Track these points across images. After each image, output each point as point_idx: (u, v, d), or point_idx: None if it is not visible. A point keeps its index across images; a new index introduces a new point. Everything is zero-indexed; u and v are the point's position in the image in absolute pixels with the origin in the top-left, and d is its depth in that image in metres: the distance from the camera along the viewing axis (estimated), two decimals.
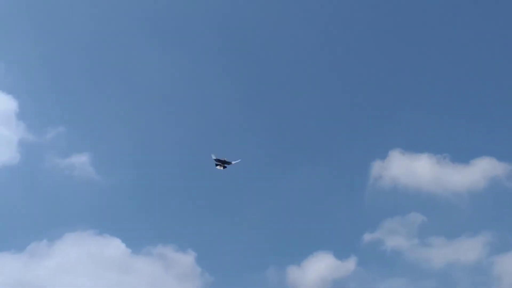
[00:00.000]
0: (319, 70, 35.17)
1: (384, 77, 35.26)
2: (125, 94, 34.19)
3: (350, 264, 28.02)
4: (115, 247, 28.15)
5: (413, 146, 31.57)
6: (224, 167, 23.09)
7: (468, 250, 28.02)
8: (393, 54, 35.59)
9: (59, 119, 32.11)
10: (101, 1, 35.66)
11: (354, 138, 32.93)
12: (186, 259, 28.31)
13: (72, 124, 32.44)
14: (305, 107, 34.30)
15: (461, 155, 31.26)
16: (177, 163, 32.09)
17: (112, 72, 34.86)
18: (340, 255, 28.24)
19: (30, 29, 34.17)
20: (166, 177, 31.85)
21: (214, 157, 23.21)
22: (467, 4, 36.65)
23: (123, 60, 34.91)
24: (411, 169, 30.56)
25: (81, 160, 30.84)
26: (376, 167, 30.94)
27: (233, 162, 22.57)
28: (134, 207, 30.33)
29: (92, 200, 30.38)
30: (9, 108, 31.34)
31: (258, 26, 36.57)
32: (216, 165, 23.36)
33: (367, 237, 28.92)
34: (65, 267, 27.53)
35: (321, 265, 27.87)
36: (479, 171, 30.18)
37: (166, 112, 34.08)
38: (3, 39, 34.10)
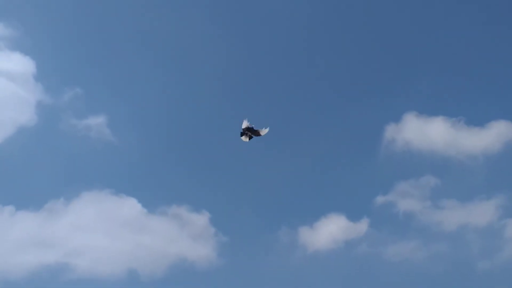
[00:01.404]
0: (334, 35, 33.83)
1: (400, 41, 33.70)
2: (143, 56, 32.93)
3: (362, 226, 27.75)
4: (131, 206, 28.04)
5: (428, 110, 31.00)
6: (251, 137, 20.35)
7: (481, 213, 27.62)
8: (409, 18, 34.15)
9: (76, 80, 31.58)
10: None
11: (369, 101, 31.83)
12: (200, 219, 28.10)
13: (89, 86, 31.69)
14: (320, 70, 33.15)
15: (477, 118, 30.59)
16: (193, 126, 31.45)
17: (130, 34, 33.51)
18: (353, 217, 27.94)
19: None
20: (181, 139, 31.26)
21: (245, 126, 20.26)
22: None
23: (141, 22, 33.58)
24: (425, 132, 30.10)
25: (97, 122, 30.24)
26: (390, 130, 30.23)
27: (261, 133, 19.87)
28: (149, 168, 30.07)
29: (109, 161, 30.11)
30: (27, 69, 30.92)
31: None
32: (242, 134, 20.34)
33: (380, 199, 28.32)
34: (82, 225, 27.54)
35: (333, 227, 27.77)
36: (495, 135, 29.59)
37: (185, 74, 32.99)
38: (21, 1, 33.12)
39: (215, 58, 32.91)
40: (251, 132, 19.98)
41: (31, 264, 25.73)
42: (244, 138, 20.09)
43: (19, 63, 30.97)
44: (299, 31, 33.74)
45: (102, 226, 27.72)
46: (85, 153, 30.23)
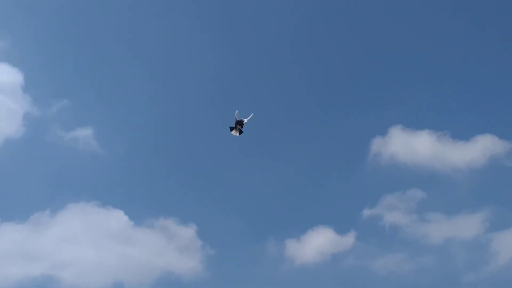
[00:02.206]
0: (323, 50, 34.23)
1: (386, 54, 34.03)
2: (130, 70, 33.00)
3: (349, 239, 27.73)
4: (117, 218, 27.83)
5: (414, 123, 31.06)
6: (241, 132, 20.43)
7: (466, 226, 27.69)
8: (395, 31, 34.47)
9: (64, 92, 31.53)
10: None
11: (355, 115, 32.04)
12: (187, 232, 27.98)
13: (77, 98, 31.64)
14: (307, 83, 33.26)
15: (462, 132, 30.60)
16: (179, 139, 31.32)
17: (117, 46, 33.53)
18: (340, 229, 27.93)
19: (36, 5, 33.18)
20: (168, 152, 31.03)
21: (237, 118, 20.39)
22: None
23: (126, 33, 33.74)
24: (411, 145, 30.10)
25: (85, 134, 30.13)
26: (377, 143, 30.20)
27: (245, 120, 20.13)
28: (136, 181, 30.01)
29: (96, 173, 29.85)
30: (15, 81, 30.78)
31: None
32: (232, 129, 20.46)
33: (367, 212, 28.31)
34: (68, 237, 27.15)
35: (320, 239, 27.67)
36: (480, 149, 29.70)
37: (170, 87, 32.95)
38: (11, 13, 33.00)
39: (203, 72, 33.09)
40: (239, 124, 20.03)
41: (16, 276, 25.43)
42: (234, 133, 20.19)
43: (7, 74, 30.94)
44: (289, 46, 34.14)
45: (88, 238, 27.53)
46: (72, 165, 30.10)
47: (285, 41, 33.94)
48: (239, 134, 20.15)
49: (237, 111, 19.96)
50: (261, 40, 33.76)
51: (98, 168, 29.79)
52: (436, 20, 33.96)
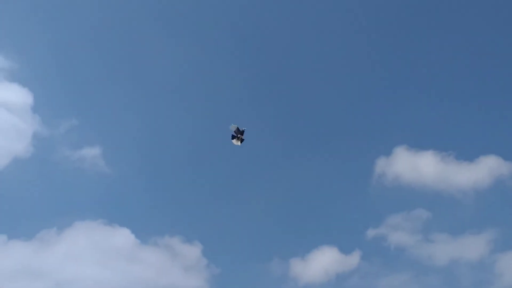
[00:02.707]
0: (326, 72, 34.45)
1: (391, 74, 34.52)
2: (135, 90, 33.64)
3: (354, 259, 27.68)
4: (124, 236, 27.98)
5: (419, 143, 31.03)
6: (242, 141, 20.23)
7: (472, 247, 27.65)
8: (400, 51, 34.79)
9: (72, 112, 31.99)
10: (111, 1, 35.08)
11: (360, 135, 32.30)
12: (193, 251, 28.02)
13: (85, 118, 32.14)
14: (315, 107, 33.48)
15: (467, 153, 30.67)
16: (184, 158, 31.49)
17: (122, 68, 34.30)
18: (344, 249, 27.98)
19: (45, 27, 33.96)
20: (173, 171, 31.31)
21: (234, 128, 20.25)
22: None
23: (132, 57, 34.32)
24: (416, 166, 30.16)
25: (92, 153, 30.43)
26: (381, 163, 30.24)
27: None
28: (142, 199, 30.03)
29: (102, 192, 30.09)
30: (25, 101, 31.28)
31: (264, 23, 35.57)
32: (233, 137, 20.24)
33: (371, 232, 28.27)
34: (74, 255, 27.18)
35: (325, 259, 27.63)
36: (485, 169, 29.72)
37: (174, 108, 33.56)
38: (21, 36, 33.75)
39: (203, 94, 33.65)
40: (242, 134, 19.93)
41: None
42: (235, 142, 20.11)
43: (17, 95, 31.39)
44: (291, 66, 34.54)
45: (94, 256, 27.48)
46: (79, 183, 30.28)
47: (292, 61, 34.50)
48: (241, 142, 20.08)
49: (232, 124, 19.95)
50: (265, 58, 34.38)
51: (104, 186, 30.11)
52: (438, 44, 34.38)
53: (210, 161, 30.83)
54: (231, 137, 20.18)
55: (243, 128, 20.18)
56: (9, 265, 26.52)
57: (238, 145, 20.27)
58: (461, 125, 32.06)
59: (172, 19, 34.93)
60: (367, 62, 34.30)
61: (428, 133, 31.99)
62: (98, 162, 30.36)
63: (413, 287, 26.61)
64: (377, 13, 35.03)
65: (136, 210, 29.64)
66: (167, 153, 31.81)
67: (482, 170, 29.62)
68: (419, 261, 27.40)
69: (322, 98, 33.66)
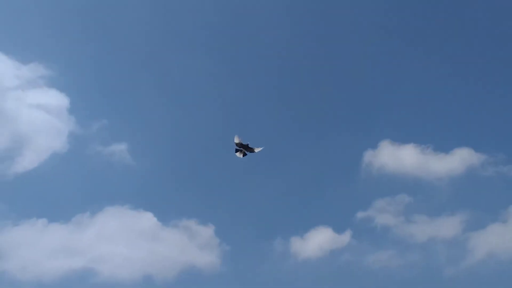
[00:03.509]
0: (316, 71, 34.83)
1: (377, 78, 34.94)
2: (156, 94, 34.31)
3: (346, 237, 28.27)
4: (147, 219, 28.61)
5: (401, 138, 31.56)
6: (245, 154, 18.97)
7: (447, 227, 28.30)
8: (384, 58, 35.22)
9: (103, 113, 32.74)
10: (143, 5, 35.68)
11: (350, 131, 32.82)
12: (207, 231, 28.68)
13: (113, 119, 32.73)
14: (309, 103, 34.18)
15: (443, 146, 31.11)
16: (200, 153, 32.23)
17: (147, 75, 35.03)
18: (338, 229, 28.44)
19: (79, 39, 35.02)
20: (189, 163, 32.03)
21: (237, 141, 18.86)
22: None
23: (156, 65, 35.25)
24: (398, 157, 30.67)
25: (120, 148, 31.17)
26: (368, 155, 30.93)
27: (255, 150, 18.71)
28: (163, 187, 30.84)
29: (129, 181, 30.81)
30: (62, 104, 32.09)
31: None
32: (237, 151, 18.99)
33: (360, 214, 28.91)
34: (105, 236, 28.03)
35: (321, 237, 28.21)
36: (458, 160, 30.31)
37: (193, 108, 34.20)
38: (58, 47, 34.69)
39: (217, 94, 34.38)
40: (244, 148, 18.94)
41: (61, 269, 26.45)
42: (239, 155, 19.15)
43: (55, 99, 32.19)
44: (284, 65, 34.87)
45: (122, 237, 28.34)
46: (108, 175, 31.04)
47: (283, 59, 34.78)
48: (243, 156, 19.07)
49: (236, 136, 19.02)
50: (258, 56, 34.87)
51: (130, 177, 30.86)
52: (421, 46, 35.00)
53: (220, 155, 31.05)
54: (234, 150, 19.07)
55: (247, 143, 19.01)
56: (49, 244, 27.57)
57: (240, 157, 19.13)
58: (438, 122, 32.82)
59: (197, 28, 35.62)
60: (352, 66, 34.81)
61: (409, 129, 32.70)
62: (125, 156, 31.06)
63: (397, 261, 27.28)
64: (363, 13, 35.30)
65: (158, 197, 30.37)
66: (182, 148, 32.61)
67: (456, 160, 30.23)
68: (401, 239, 28.04)
69: (318, 96, 34.27)
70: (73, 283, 26.37)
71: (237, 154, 19.21)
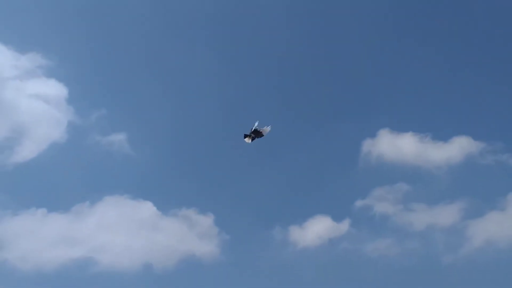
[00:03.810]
0: (317, 64, 34.53)
1: (376, 68, 34.79)
2: (157, 85, 34.12)
3: (344, 226, 28.24)
4: (147, 209, 28.54)
5: (400, 127, 31.45)
6: (253, 138, 18.62)
7: (445, 215, 28.26)
8: (383, 47, 34.95)
9: (102, 103, 32.58)
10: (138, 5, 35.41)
11: (349, 120, 32.61)
12: (206, 220, 28.61)
13: (113, 108, 32.60)
14: (310, 94, 34.03)
15: (441, 134, 31.14)
16: (199, 143, 32.19)
17: (148, 66, 34.95)
18: (336, 218, 28.34)
19: (78, 30, 34.75)
20: (189, 152, 31.96)
21: (256, 127, 18.48)
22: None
23: (156, 56, 35.00)
24: (397, 145, 30.63)
25: (119, 138, 31.03)
26: (367, 144, 30.78)
27: (264, 132, 18.29)
28: (162, 177, 30.74)
29: (128, 171, 30.69)
30: (61, 94, 31.86)
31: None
32: (245, 136, 18.63)
33: (359, 203, 28.84)
34: (104, 225, 27.94)
35: (320, 226, 28.18)
36: (457, 148, 30.26)
37: (191, 99, 34.03)
38: (57, 37, 34.36)
39: (215, 85, 34.09)
40: (255, 134, 18.60)
41: (61, 258, 26.34)
42: (248, 140, 18.81)
43: (54, 89, 31.91)
44: (283, 56, 34.61)
45: (122, 226, 28.25)
46: (108, 164, 30.89)
47: (281, 50, 34.41)
48: (252, 140, 18.79)
49: (257, 122, 18.63)
50: (256, 47, 34.50)
51: (130, 166, 30.70)
52: (420, 37, 34.70)
53: (219, 146, 31.36)
54: (244, 136, 18.79)
55: (262, 130, 18.60)
56: (49, 233, 27.41)
57: (248, 142, 18.88)
58: (436, 111, 32.67)
59: (194, 20, 35.26)
60: (358, 57, 34.57)
61: (408, 117, 32.46)
62: (124, 146, 30.89)
63: (395, 250, 27.25)
64: (362, 3, 34.88)
65: (157, 186, 30.29)
66: (181, 138, 32.49)
67: (455, 149, 30.17)
68: (400, 228, 27.97)
69: (319, 88, 34.03)
70: (73, 272, 26.39)
71: (246, 139, 18.93)
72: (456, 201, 28.65)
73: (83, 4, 34.80)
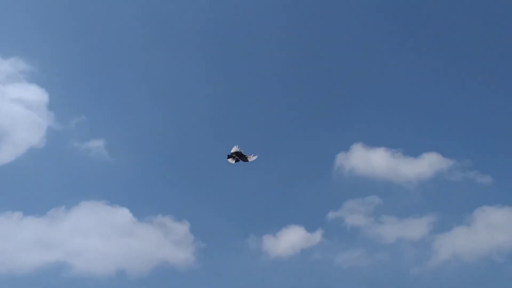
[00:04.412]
0: (294, 76, 34.80)
1: (350, 82, 34.94)
2: (137, 92, 33.99)
3: (317, 236, 28.33)
4: (123, 215, 28.31)
5: (372, 142, 31.66)
6: (237, 160, 18.31)
7: (414, 228, 28.50)
8: (358, 64, 35.22)
9: (82, 110, 32.38)
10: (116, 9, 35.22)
11: (324, 135, 32.95)
12: (182, 228, 28.48)
13: (91, 116, 32.29)
14: (286, 108, 34.27)
15: (412, 150, 31.40)
16: (176, 152, 32.11)
17: (128, 72, 34.70)
18: (309, 228, 28.51)
19: (60, 36, 34.62)
20: (166, 161, 31.99)
21: (234, 150, 18.28)
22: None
23: (134, 62, 34.93)
24: (370, 160, 30.87)
25: (97, 145, 30.79)
26: (341, 157, 31.08)
27: (249, 159, 18.04)
28: (139, 184, 30.62)
29: (105, 177, 30.42)
30: (42, 99, 31.58)
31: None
32: (229, 157, 18.29)
33: (332, 214, 29.00)
34: (80, 230, 27.64)
35: (293, 236, 28.30)
36: (427, 164, 30.54)
37: (171, 107, 34.00)
38: (39, 43, 34.17)
39: (197, 95, 34.05)
40: (239, 156, 18.28)
41: (35, 262, 26.02)
42: (231, 161, 18.44)
43: (35, 94, 31.61)
44: (259, 68, 34.73)
45: (97, 231, 27.95)
46: (85, 170, 30.61)
47: (259, 62, 34.57)
48: (235, 162, 18.39)
49: (236, 146, 18.28)
50: (236, 56, 34.75)
51: (107, 173, 30.42)
52: (392, 53, 35.07)
53: (197, 154, 31.30)
54: (227, 157, 18.28)
55: (241, 151, 18.28)
56: (24, 237, 27.06)
57: (232, 163, 18.37)
58: (408, 127, 32.86)
59: (174, 23, 35.20)
60: (334, 72, 34.79)
61: (381, 133, 32.65)
62: (102, 152, 30.66)
63: (366, 261, 27.44)
64: (335, 23, 35.35)
65: (134, 193, 30.12)
66: (159, 146, 32.22)
67: (425, 165, 30.40)
68: (371, 239, 28.16)
69: (294, 102, 34.27)
70: (47, 276, 26.08)
71: (230, 160, 18.47)
72: (425, 215, 28.92)
73: (67, 11, 34.78)
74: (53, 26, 34.41)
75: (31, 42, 34.21)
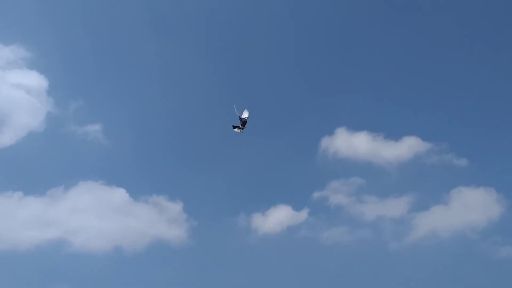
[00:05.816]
0: (277, 58, 34.64)
1: (335, 69, 35.10)
2: (133, 77, 34.15)
3: (303, 215, 28.67)
4: (120, 195, 28.54)
5: (355, 126, 31.95)
6: (241, 129, 18.69)
7: (394, 207, 28.92)
8: (342, 51, 35.41)
9: (80, 95, 32.32)
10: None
11: (309, 119, 33.11)
12: (175, 207, 28.68)
13: (89, 101, 32.34)
14: (275, 94, 34.29)
15: (393, 134, 31.67)
16: (169, 135, 32.32)
17: (125, 57, 34.84)
18: (296, 207, 28.85)
19: (60, 23, 34.56)
20: (161, 143, 32.07)
21: (243, 115, 18.41)
22: None
23: (134, 46, 34.93)
24: (352, 143, 31.17)
25: (94, 129, 30.91)
26: (325, 141, 31.32)
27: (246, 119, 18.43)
28: (135, 165, 30.67)
29: (102, 159, 30.51)
30: (42, 85, 31.59)
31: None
32: (234, 127, 18.77)
33: (317, 194, 29.33)
34: (79, 209, 27.73)
35: (280, 214, 28.56)
36: (407, 147, 30.90)
37: (163, 93, 34.01)
38: (39, 30, 34.01)
39: (189, 80, 34.04)
40: (243, 124, 18.89)
41: (36, 239, 26.19)
42: (237, 130, 19.14)
43: (35, 80, 31.62)
44: (246, 55, 34.68)
45: (95, 210, 28.08)
46: (83, 152, 30.69)
47: (244, 48, 34.44)
48: (241, 131, 18.68)
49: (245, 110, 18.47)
50: (223, 44, 34.85)
51: (104, 155, 30.56)
52: (378, 41, 35.16)
53: (190, 136, 31.58)
54: (232, 127, 18.57)
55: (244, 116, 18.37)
56: (25, 216, 27.20)
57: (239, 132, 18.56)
58: (389, 112, 32.90)
59: (171, 17, 35.04)
60: (319, 58, 34.84)
61: (363, 118, 32.71)
62: (99, 135, 30.78)
63: (348, 237, 27.87)
64: (319, 9, 35.21)
65: (130, 174, 30.17)
66: (154, 128, 32.50)
67: (405, 148, 30.78)
68: (353, 217, 28.56)
69: (282, 88, 34.37)
70: (47, 253, 26.27)
71: (236, 130, 19.16)
72: (404, 195, 29.26)
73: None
74: (53, 14, 34.21)
75: (31, 29, 34.09)
